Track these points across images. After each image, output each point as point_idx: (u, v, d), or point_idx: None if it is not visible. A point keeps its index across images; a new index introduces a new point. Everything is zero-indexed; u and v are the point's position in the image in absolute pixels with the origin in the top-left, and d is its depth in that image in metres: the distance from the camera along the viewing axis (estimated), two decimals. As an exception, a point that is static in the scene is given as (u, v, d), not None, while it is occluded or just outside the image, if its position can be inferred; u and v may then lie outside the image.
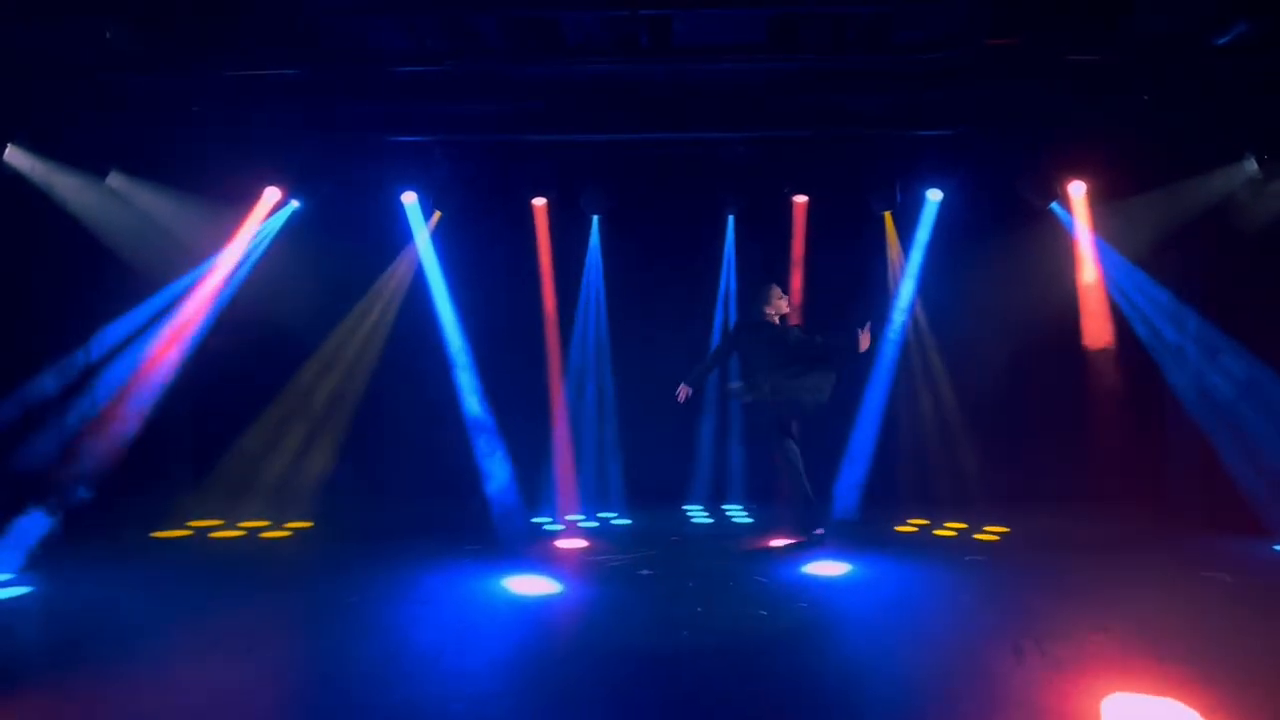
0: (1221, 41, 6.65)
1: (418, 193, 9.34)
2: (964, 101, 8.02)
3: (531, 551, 7.21)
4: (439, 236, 9.72)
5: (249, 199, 9.01)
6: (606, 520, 8.80)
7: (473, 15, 6.61)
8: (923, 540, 7.59)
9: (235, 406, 9.26)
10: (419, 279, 9.77)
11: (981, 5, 6.63)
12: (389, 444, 9.62)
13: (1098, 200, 8.60)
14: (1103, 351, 8.49)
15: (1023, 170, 8.62)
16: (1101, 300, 8.60)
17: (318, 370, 9.61)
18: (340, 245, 9.34)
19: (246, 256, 9.17)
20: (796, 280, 9.84)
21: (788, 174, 9.17)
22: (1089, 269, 8.64)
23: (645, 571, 6.42)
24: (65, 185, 7.88)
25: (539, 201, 9.70)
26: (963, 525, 8.05)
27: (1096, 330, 8.60)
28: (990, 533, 7.77)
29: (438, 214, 9.52)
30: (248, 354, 9.04)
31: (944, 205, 9.09)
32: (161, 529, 8.08)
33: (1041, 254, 8.90)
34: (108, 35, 6.16)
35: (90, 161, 8.03)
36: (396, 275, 9.88)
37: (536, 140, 8.54)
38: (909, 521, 8.25)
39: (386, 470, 9.55)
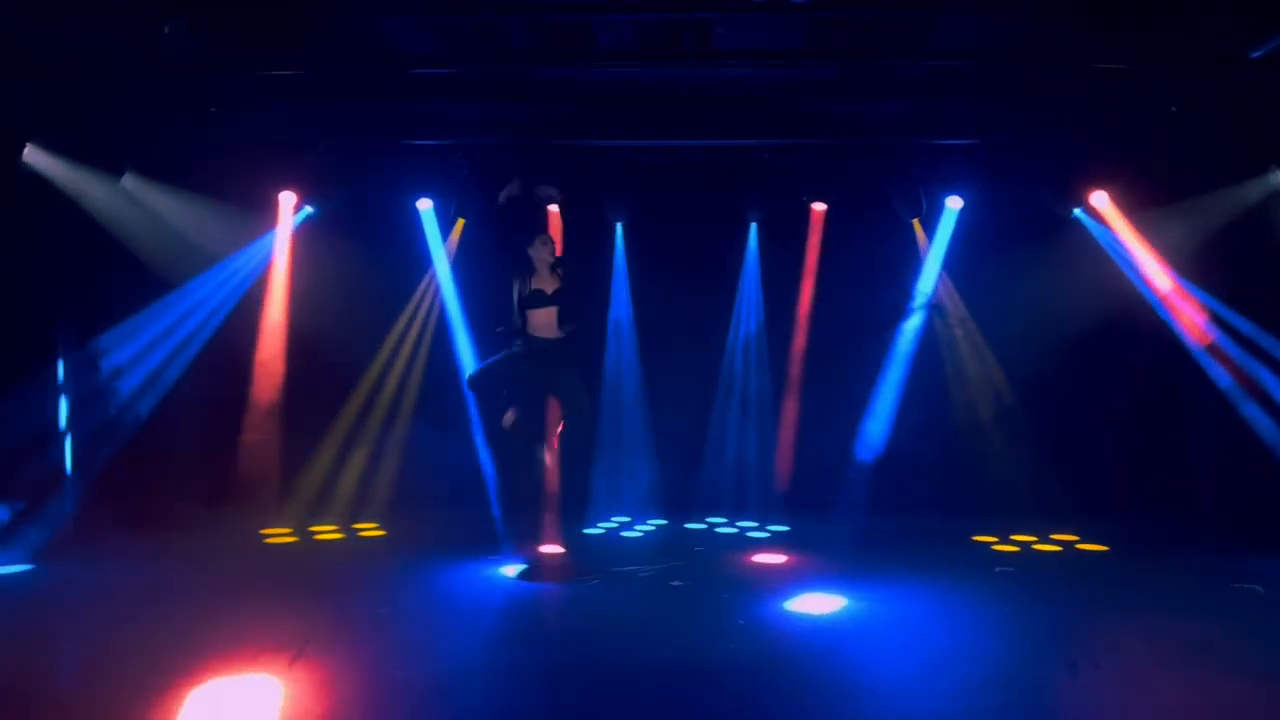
0: (1256, 55, 6.64)
1: (437, 198, 9.22)
2: (992, 110, 8.00)
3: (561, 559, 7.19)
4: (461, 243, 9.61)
5: (265, 203, 8.91)
6: (632, 529, 8.74)
7: (503, 17, 6.53)
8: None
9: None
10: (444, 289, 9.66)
11: (1014, 15, 6.60)
12: (437, 450, 9.42)
13: (1128, 210, 8.57)
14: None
15: (1052, 179, 8.62)
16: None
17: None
18: (361, 252, 9.18)
19: (271, 262, 9.09)
20: (808, 289, 9.77)
21: (812, 180, 9.12)
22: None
23: (676, 583, 6.33)
24: (81, 185, 7.75)
25: (554, 207, 9.60)
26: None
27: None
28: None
29: (461, 221, 9.39)
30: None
31: (980, 211, 9.02)
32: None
33: (1079, 262, 8.83)
34: (166, 31, 5.99)
35: (105, 161, 7.89)
36: (426, 287, 9.73)
37: (560, 145, 8.46)
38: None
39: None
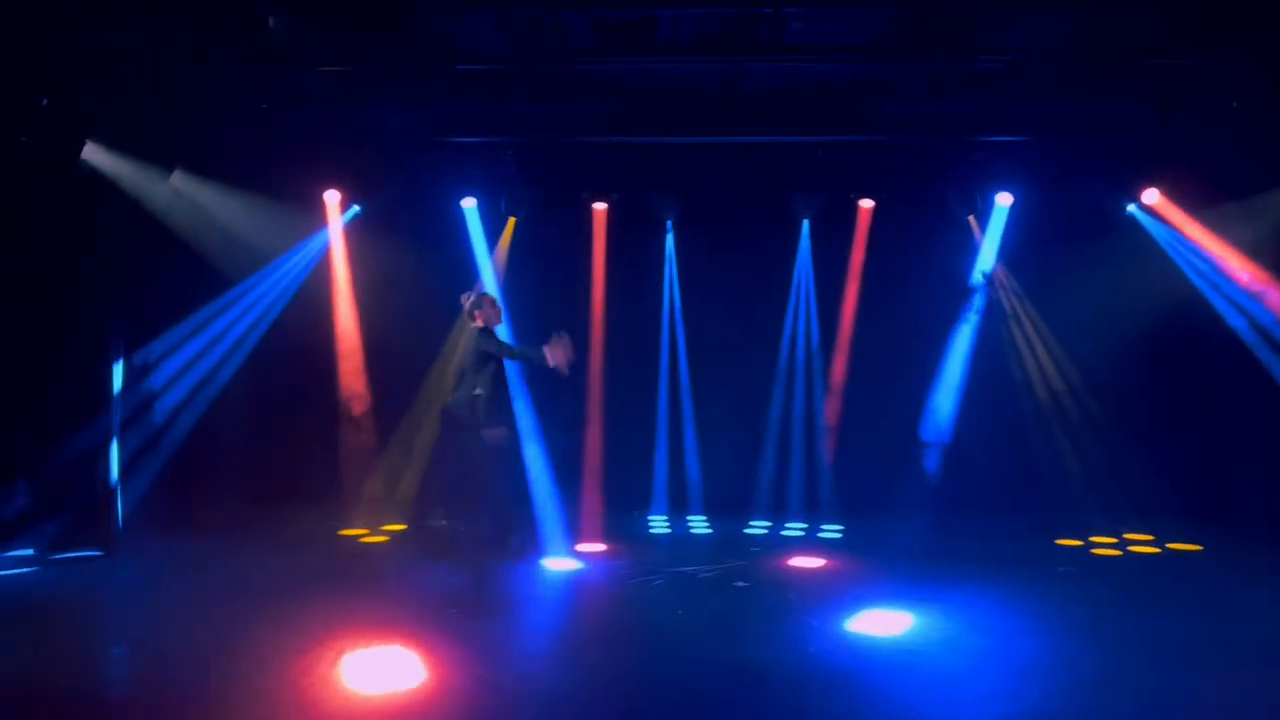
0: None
1: (484, 196, 9.19)
2: (1049, 107, 7.91)
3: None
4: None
5: (312, 201, 8.91)
6: (686, 529, 8.70)
7: (566, 13, 6.48)
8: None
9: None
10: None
11: (1069, 13, 6.53)
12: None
13: (1187, 207, 8.48)
14: None
15: (1107, 176, 8.59)
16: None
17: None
18: (413, 251, 9.16)
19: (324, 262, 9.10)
20: (853, 287, 9.69)
21: (865, 177, 9.06)
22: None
23: (740, 584, 6.27)
24: (135, 182, 7.74)
25: (599, 206, 9.57)
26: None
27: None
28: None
29: (512, 220, 9.35)
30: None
31: (1034, 207, 8.97)
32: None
33: (1136, 258, 8.78)
34: (270, 24, 5.96)
35: (159, 159, 7.88)
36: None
37: (612, 142, 8.40)
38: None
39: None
